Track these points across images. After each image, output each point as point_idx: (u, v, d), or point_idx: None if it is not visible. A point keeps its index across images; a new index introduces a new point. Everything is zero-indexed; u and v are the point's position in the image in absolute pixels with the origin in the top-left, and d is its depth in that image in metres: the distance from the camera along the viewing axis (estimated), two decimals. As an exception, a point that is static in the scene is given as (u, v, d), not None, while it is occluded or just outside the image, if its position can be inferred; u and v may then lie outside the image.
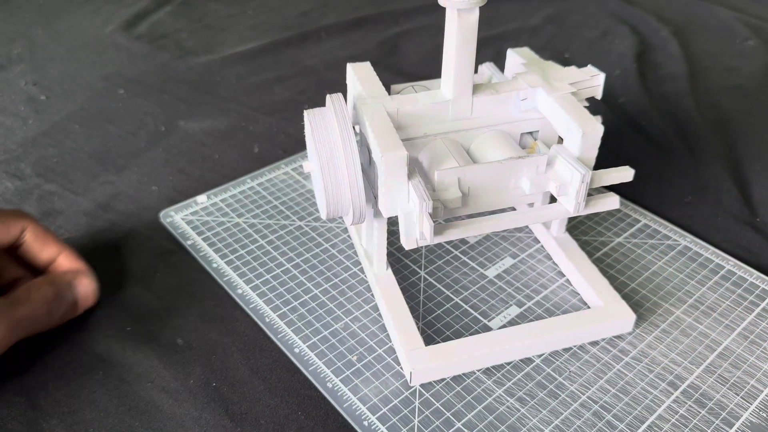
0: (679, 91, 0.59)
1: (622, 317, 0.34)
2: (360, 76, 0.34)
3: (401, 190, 0.30)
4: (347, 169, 0.30)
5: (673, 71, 0.62)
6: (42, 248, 0.36)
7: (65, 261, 0.36)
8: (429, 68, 0.62)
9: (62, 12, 0.77)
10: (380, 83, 0.34)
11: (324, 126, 0.30)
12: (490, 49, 0.65)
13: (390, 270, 0.37)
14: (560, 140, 0.33)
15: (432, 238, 0.29)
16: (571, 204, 0.31)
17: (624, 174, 0.32)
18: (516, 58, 0.37)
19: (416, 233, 0.29)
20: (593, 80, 0.34)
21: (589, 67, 0.35)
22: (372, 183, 0.32)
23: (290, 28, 0.72)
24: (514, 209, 0.40)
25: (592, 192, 0.32)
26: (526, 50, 0.37)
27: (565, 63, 0.64)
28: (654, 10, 0.73)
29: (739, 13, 0.72)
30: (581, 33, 0.70)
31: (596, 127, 0.31)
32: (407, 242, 0.30)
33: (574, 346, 0.34)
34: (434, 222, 0.29)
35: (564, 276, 0.39)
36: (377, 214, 0.33)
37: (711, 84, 0.60)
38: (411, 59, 0.66)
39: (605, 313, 0.35)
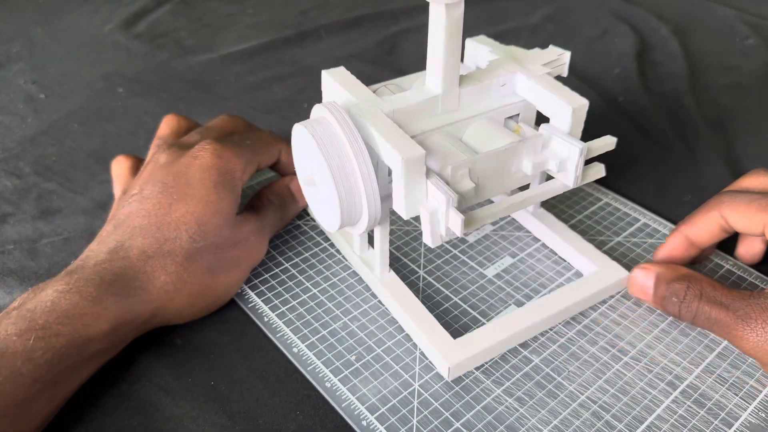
0: (678, 89, 0.59)
1: (619, 276, 0.37)
2: (342, 82, 0.34)
3: (420, 190, 0.30)
4: (362, 178, 0.30)
5: (672, 70, 0.62)
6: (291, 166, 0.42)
7: None
8: (428, 67, 0.62)
9: (61, 11, 0.76)
10: (365, 86, 0.34)
11: (330, 137, 0.30)
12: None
13: (393, 272, 0.37)
14: (539, 120, 0.35)
15: (462, 230, 0.29)
16: (570, 178, 0.33)
17: (608, 142, 0.35)
18: (478, 46, 0.38)
19: (441, 230, 0.30)
20: (561, 59, 0.36)
21: (552, 47, 0.36)
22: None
23: (289, 27, 0.72)
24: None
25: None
26: (483, 38, 0.38)
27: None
28: (653, 8, 0.73)
29: (739, 12, 0.72)
30: (581, 31, 0.70)
31: (582, 102, 0.33)
32: (433, 240, 0.30)
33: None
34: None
35: (564, 275, 0.39)
36: (382, 219, 0.33)
37: (711, 82, 0.60)
38: (410, 58, 0.66)
39: (605, 275, 0.37)
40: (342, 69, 0.35)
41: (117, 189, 0.40)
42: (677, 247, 0.37)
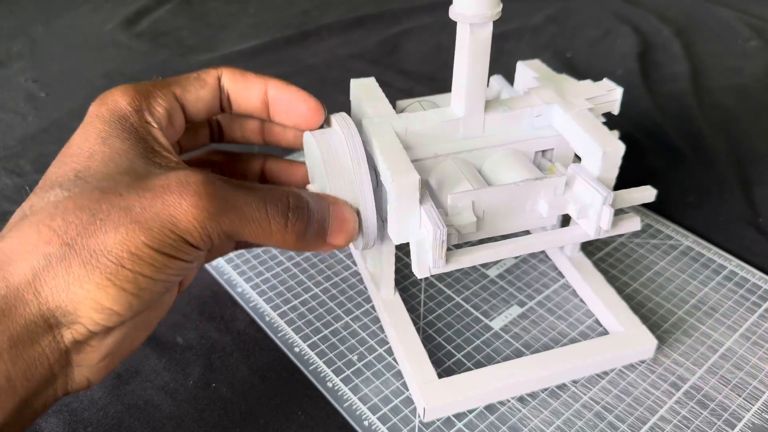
0: (681, 90, 0.59)
1: (644, 344, 0.33)
2: (365, 93, 0.32)
3: (413, 216, 0.28)
4: (359, 193, 0.29)
5: (675, 71, 0.62)
6: (245, 87, 0.30)
7: (278, 93, 0.30)
8: (430, 67, 0.62)
9: (63, 9, 0.76)
10: (386, 100, 0.32)
11: (334, 147, 0.29)
12: (492, 49, 0.65)
13: (398, 294, 0.36)
14: (576, 159, 0.32)
15: (445, 266, 0.28)
16: (592, 227, 0.30)
17: (646, 194, 0.31)
18: (527, 71, 0.35)
19: (429, 261, 0.28)
20: (610, 95, 0.33)
21: (605, 80, 0.34)
22: (380, 206, 0.30)
23: (291, 27, 0.72)
24: (528, 232, 0.38)
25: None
26: (537, 62, 0.36)
27: (568, 62, 0.64)
28: (656, 10, 0.73)
29: (741, 14, 0.72)
30: (583, 32, 0.70)
31: (617, 146, 0.29)
32: (420, 271, 0.29)
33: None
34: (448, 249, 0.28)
35: (564, 277, 0.39)
36: (385, 238, 0.32)
37: (713, 84, 0.60)
38: (412, 58, 0.65)
39: (627, 339, 0.33)
40: (371, 80, 0.33)
41: None
42: None
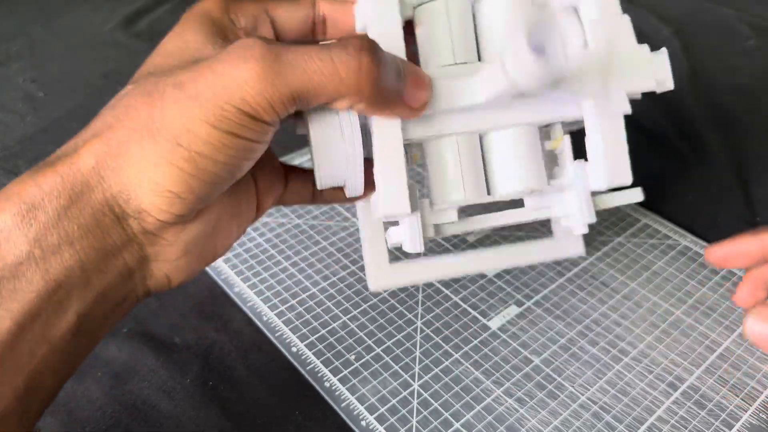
0: (680, 90, 0.58)
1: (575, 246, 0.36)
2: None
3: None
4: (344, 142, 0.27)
5: (674, 70, 0.62)
6: (343, 12, 0.28)
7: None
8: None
9: (61, 9, 0.76)
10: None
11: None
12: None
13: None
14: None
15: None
16: (579, 226, 0.31)
17: (633, 195, 0.31)
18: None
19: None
20: (659, 85, 0.32)
21: (660, 58, 0.33)
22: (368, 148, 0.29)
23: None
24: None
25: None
26: None
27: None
28: (655, 9, 0.73)
29: (741, 13, 0.72)
30: (582, 32, 0.70)
31: (623, 178, 0.30)
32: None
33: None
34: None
35: (564, 275, 0.38)
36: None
37: (712, 83, 0.60)
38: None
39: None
40: None
41: None
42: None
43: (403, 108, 0.25)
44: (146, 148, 0.22)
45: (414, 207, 0.29)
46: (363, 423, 0.31)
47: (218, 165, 0.22)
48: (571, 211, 0.31)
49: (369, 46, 0.23)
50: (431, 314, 0.36)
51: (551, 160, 0.32)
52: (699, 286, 0.38)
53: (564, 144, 0.31)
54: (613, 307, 0.37)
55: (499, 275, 0.39)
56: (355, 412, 0.31)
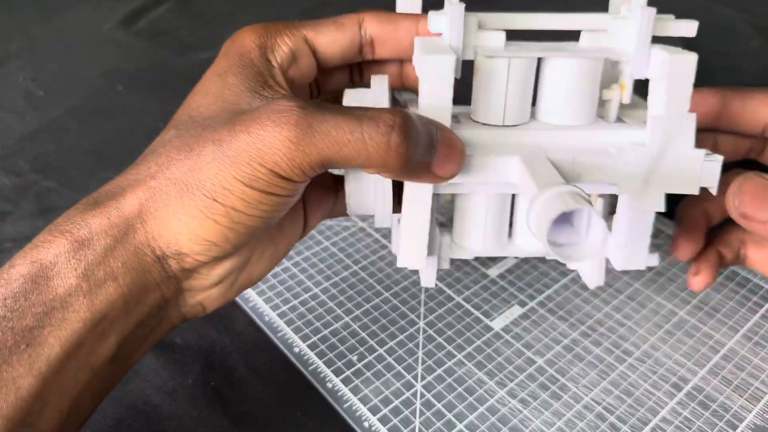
0: (681, 90, 0.58)
1: None
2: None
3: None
4: None
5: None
6: (393, 29, 0.28)
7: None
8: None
9: (61, 8, 0.76)
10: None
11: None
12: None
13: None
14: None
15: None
16: (594, 280, 0.30)
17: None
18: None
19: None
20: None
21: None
22: None
23: (290, 25, 0.71)
24: None
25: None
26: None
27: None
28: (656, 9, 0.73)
29: (742, 13, 0.72)
30: (583, 31, 0.70)
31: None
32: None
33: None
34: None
35: (567, 275, 0.38)
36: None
37: (714, 83, 0.60)
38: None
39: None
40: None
41: None
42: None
43: (432, 177, 0.26)
44: (185, 202, 0.23)
45: (431, 252, 0.29)
46: (365, 424, 0.30)
47: (252, 219, 0.24)
48: (583, 266, 0.31)
49: (401, 124, 0.23)
50: (434, 314, 0.36)
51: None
52: (702, 286, 0.38)
53: (597, 205, 0.30)
54: (616, 308, 0.36)
55: (501, 275, 0.39)
56: (357, 413, 0.31)
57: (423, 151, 0.24)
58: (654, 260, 0.30)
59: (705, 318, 0.36)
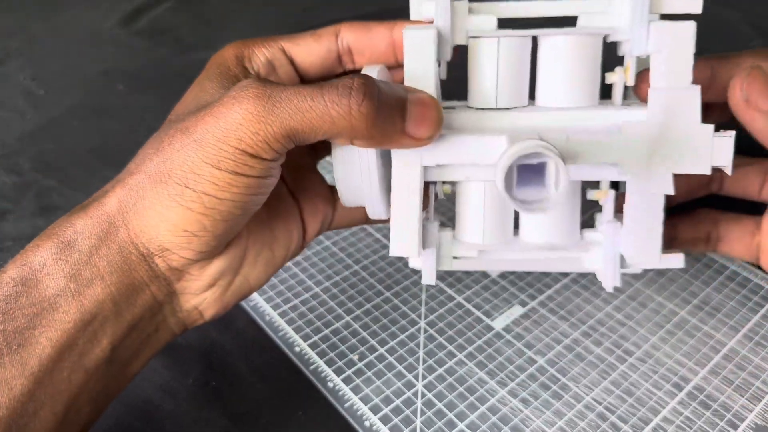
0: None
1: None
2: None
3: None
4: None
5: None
6: (368, 37, 0.28)
7: None
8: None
9: (61, 6, 0.76)
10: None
11: None
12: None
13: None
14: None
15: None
16: (609, 281, 0.30)
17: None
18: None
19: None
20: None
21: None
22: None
23: (292, 24, 0.71)
24: None
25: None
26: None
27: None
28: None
29: (744, 14, 0.72)
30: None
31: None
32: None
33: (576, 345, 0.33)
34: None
35: (569, 275, 0.38)
36: None
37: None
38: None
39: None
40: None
41: None
42: None
43: (408, 140, 0.25)
44: (159, 191, 0.23)
45: (428, 244, 0.29)
46: (366, 423, 0.30)
47: (225, 203, 0.23)
48: (598, 267, 0.29)
49: (360, 86, 0.23)
50: (435, 314, 0.36)
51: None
52: (703, 285, 0.38)
53: (608, 199, 0.29)
54: (617, 307, 0.36)
55: (502, 275, 0.39)
56: (358, 413, 0.31)
57: (391, 112, 0.24)
58: (678, 261, 0.28)
59: (706, 318, 0.36)
